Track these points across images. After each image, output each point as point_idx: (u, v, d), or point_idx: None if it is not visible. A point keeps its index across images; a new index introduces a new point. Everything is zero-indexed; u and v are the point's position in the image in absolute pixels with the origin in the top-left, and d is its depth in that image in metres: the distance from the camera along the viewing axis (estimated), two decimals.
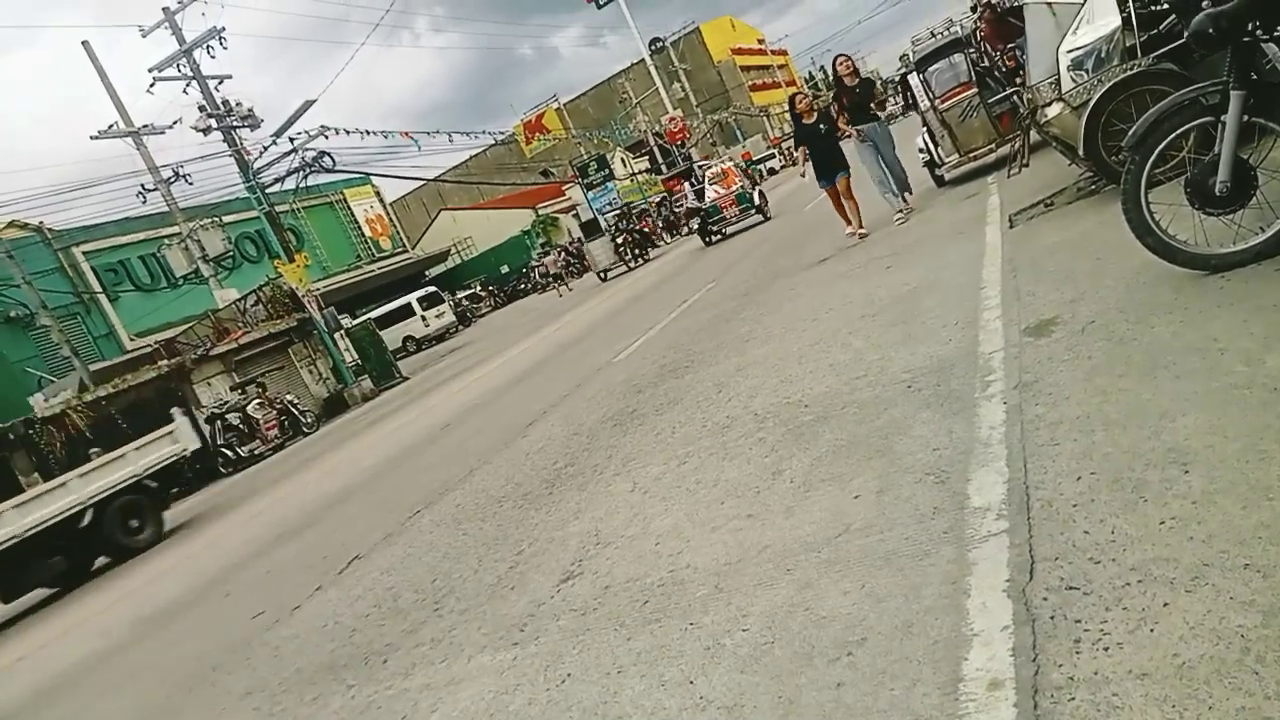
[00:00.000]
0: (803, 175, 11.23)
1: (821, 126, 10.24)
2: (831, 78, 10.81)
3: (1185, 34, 3.41)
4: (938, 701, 1.91)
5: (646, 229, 33.54)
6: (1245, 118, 3.35)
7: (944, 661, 2.03)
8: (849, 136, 10.28)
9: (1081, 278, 4.55)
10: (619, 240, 25.85)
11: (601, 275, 26.00)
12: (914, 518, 2.77)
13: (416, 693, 3.15)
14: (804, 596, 2.59)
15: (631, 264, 25.56)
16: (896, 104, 23.33)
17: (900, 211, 9.90)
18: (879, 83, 10.82)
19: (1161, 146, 3.65)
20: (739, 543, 3.17)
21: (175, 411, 14.21)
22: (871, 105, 10.18)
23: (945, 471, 3.00)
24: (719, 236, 21.66)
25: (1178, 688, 1.66)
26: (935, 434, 3.35)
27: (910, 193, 10.51)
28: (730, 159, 38.77)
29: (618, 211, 29.77)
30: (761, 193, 22.87)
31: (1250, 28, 3.24)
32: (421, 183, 52.29)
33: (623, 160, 46.69)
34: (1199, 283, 3.68)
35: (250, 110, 22.26)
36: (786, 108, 11.53)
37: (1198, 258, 3.73)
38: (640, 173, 47.62)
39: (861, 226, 9.92)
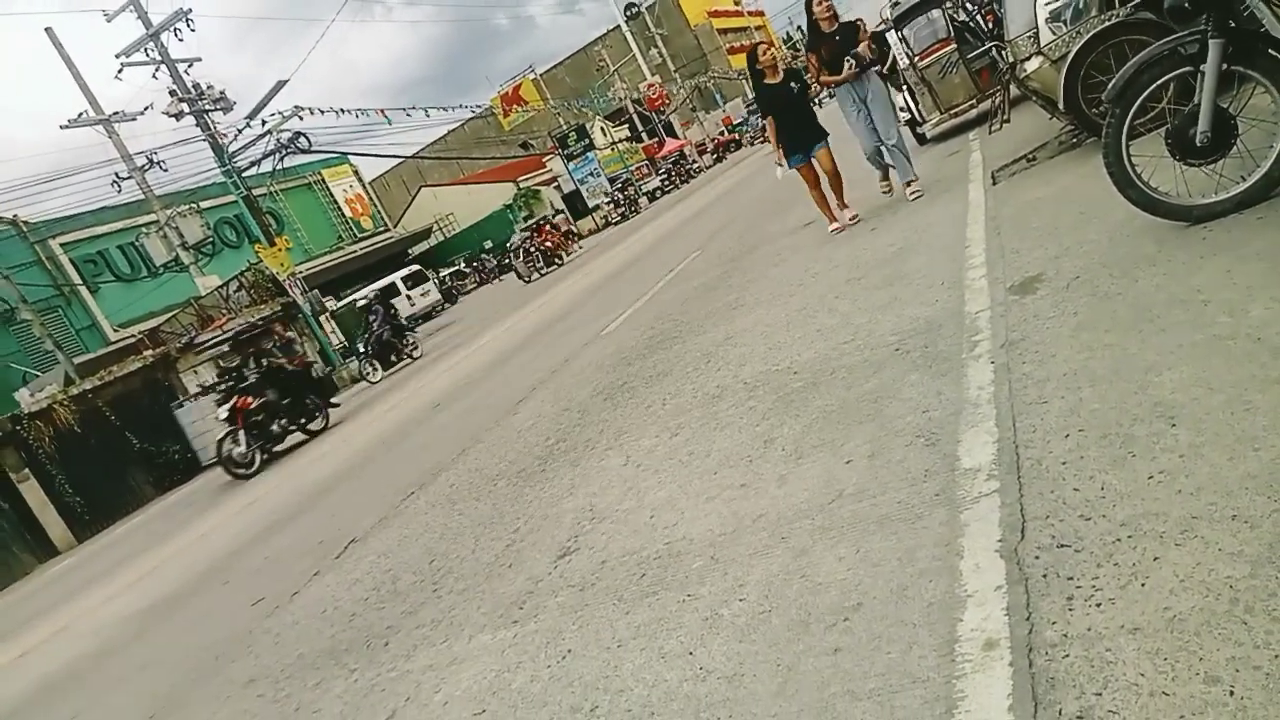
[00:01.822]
0: (779, 164, 8.16)
1: (792, 85, 8.15)
2: (806, 25, 8.42)
3: (1164, 6, 3.39)
4: (934, 663, 1.93)
5: (552, 243, 25.69)
6: (1224, 66, 3.34)
7: (939, 623, 2.05)
8: (829, 93, 8.48)
9: (1065, 233, 4.56)
10: (240, 411, 12.35)
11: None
12: (906, 481, 2.79)
13: (419, 674, 3.18)
14: (799, 564, 2.61)
15: (258, 459, 12.40)
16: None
17: (911, 181, 7.90)
18: (864, 27, 8.24)
19: (1142, 98, 3.64)
20: (733, 512, 3.18)
21: None
22: (857, 53, 7.83)
23: (935, 434, 3.01)
24: None
25: (1169, 640, 1.69)
26: (924, 396, 3.37)
27: (910, 162, 8.17)
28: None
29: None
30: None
31: None
32: (400, 160, 51.70)
33: (602, 129, 46.32)
34: (1182, 234, 3.69)
35: (222, 93, 21.89)
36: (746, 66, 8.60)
37: (1180, 209, 3.74)
38: (620, 141, 47.28)
39: (846, 206, 8.17)
